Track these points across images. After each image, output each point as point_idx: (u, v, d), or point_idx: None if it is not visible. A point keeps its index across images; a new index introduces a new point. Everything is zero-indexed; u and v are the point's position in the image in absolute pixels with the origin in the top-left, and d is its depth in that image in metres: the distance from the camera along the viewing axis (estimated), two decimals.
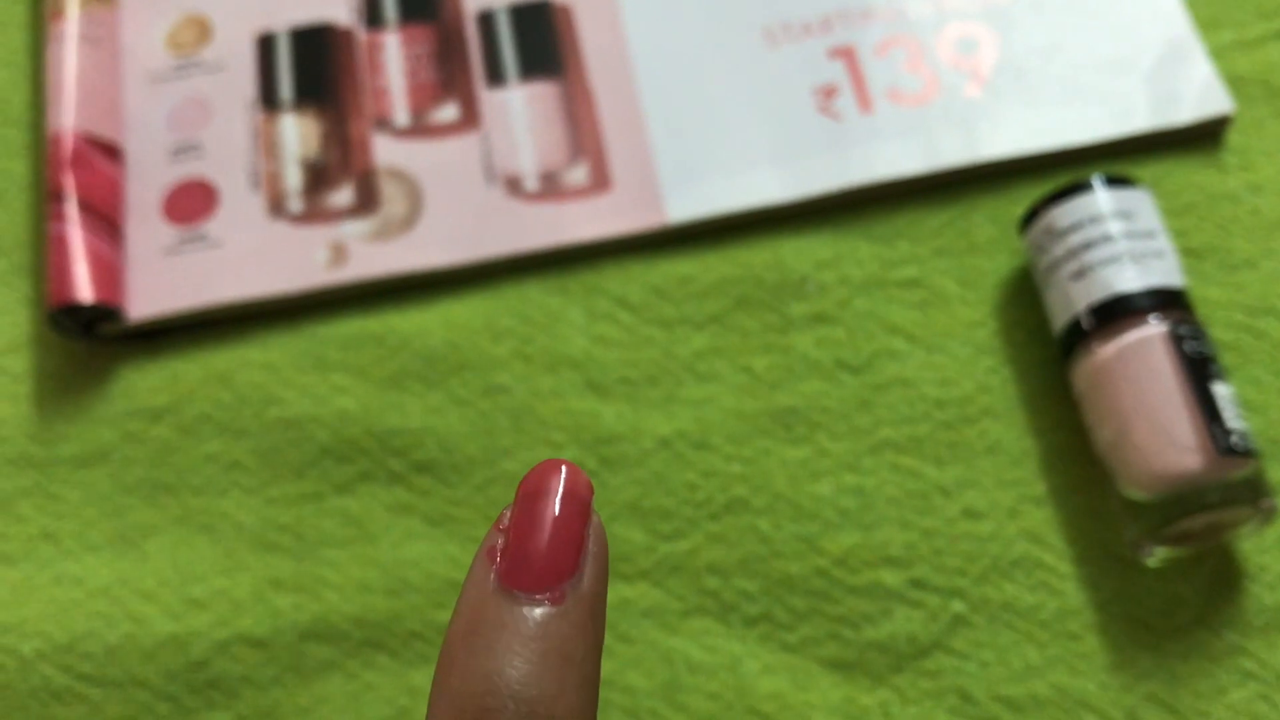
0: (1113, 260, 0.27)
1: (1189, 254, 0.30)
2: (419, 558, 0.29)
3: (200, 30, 0.35)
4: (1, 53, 0.35)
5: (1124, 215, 0.28)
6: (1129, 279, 0.27)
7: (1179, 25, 0.33)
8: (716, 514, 0.29)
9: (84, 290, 0.30)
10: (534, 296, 0.31)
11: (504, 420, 0.30)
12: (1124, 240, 0.27)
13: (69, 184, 0.31)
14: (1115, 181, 0.28)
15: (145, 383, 0.31)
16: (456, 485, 0.29)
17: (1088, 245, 0.28)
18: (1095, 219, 0.28)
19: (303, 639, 0.28)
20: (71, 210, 0.31)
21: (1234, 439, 0.25)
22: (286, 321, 0.31)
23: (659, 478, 0.29)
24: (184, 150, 0.33)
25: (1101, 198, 0.28)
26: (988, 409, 0.29)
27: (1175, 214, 0.31)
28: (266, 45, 0.34)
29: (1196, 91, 0.32)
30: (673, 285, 0.31)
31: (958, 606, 0.27)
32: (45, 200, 0.32)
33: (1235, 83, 0.33)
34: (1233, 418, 0.26)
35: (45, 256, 0.32)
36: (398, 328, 0.31)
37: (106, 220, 0.31)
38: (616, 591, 0.28)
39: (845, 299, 0.31)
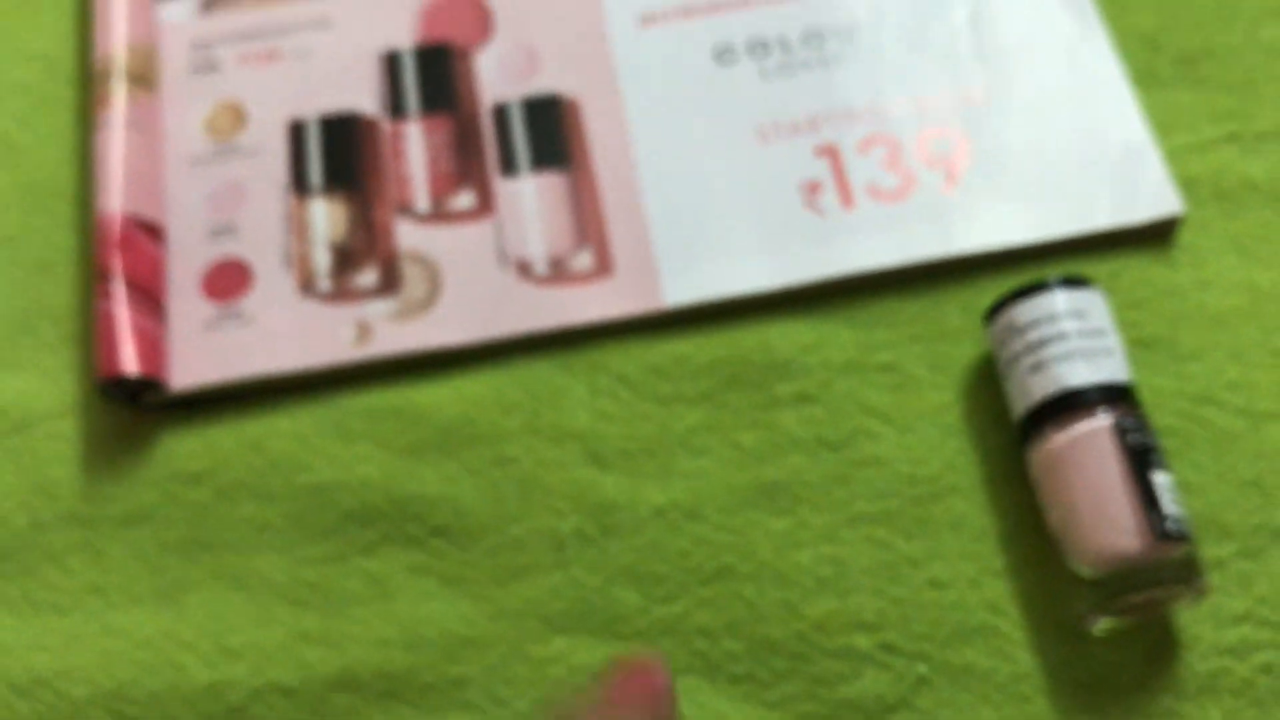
0: (1066, 357, 0.30)
1: (1140, 345, 0.33)
2: (434, 615, 0.31)
3: (236, 117, 0.38)
4: (52, 132, 0.38)
5: (1078, 315, 0.31)
6: (1080, 375, 0.30)
7: (1137, 130, 0.36)
8: (706, 580, 0.31)
9: (130, 364, 0.33)
10: (542, 373, 0.34)
11: (512, 489, 0.33)
12: (1077, 338, 0.30)
13: (116, 264, 0.34)
14: (1071, 282, 0.31)
15: (185, 448, 0.34)
16: (469, 548, 0.32)
17: (1044, 342, 0.31)
18: (1051, 318, 0.31)
19: (329, 689, 0.31)
20: (119, 289, 0.34)
21: (1170, 524, 0.28)
22: (315, 394, 0.34)
23: (654, 545, 0.32)
24: (221, 231, 0.36)
25: (1058, 298, 0.31)
26: (954, 487, 0.32)
27: (1129, 307, 0.34)
28: (298, 132, 0.37)
29: (1151, 193, 0.35)
30: (669, 364, 0.34)
31: (922, 669, 0.30)
32: (95, 278, 0.34)
33: (1187, 184, 0.36)
34: (1170, 504, 0.29)
35: (94, 330, 0.34)
36: (417, 401, 0.34)
37: (150, 296, 0.34)
38: (613, 650, 0.31)
39: (826, 380, 0.34)
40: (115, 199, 0.35)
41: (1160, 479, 0.29)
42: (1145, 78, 0.37)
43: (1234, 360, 0.33)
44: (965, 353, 0.34)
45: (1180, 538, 0.28)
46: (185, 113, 0.38)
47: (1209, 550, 0.31)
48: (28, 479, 0.34)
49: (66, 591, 0.32)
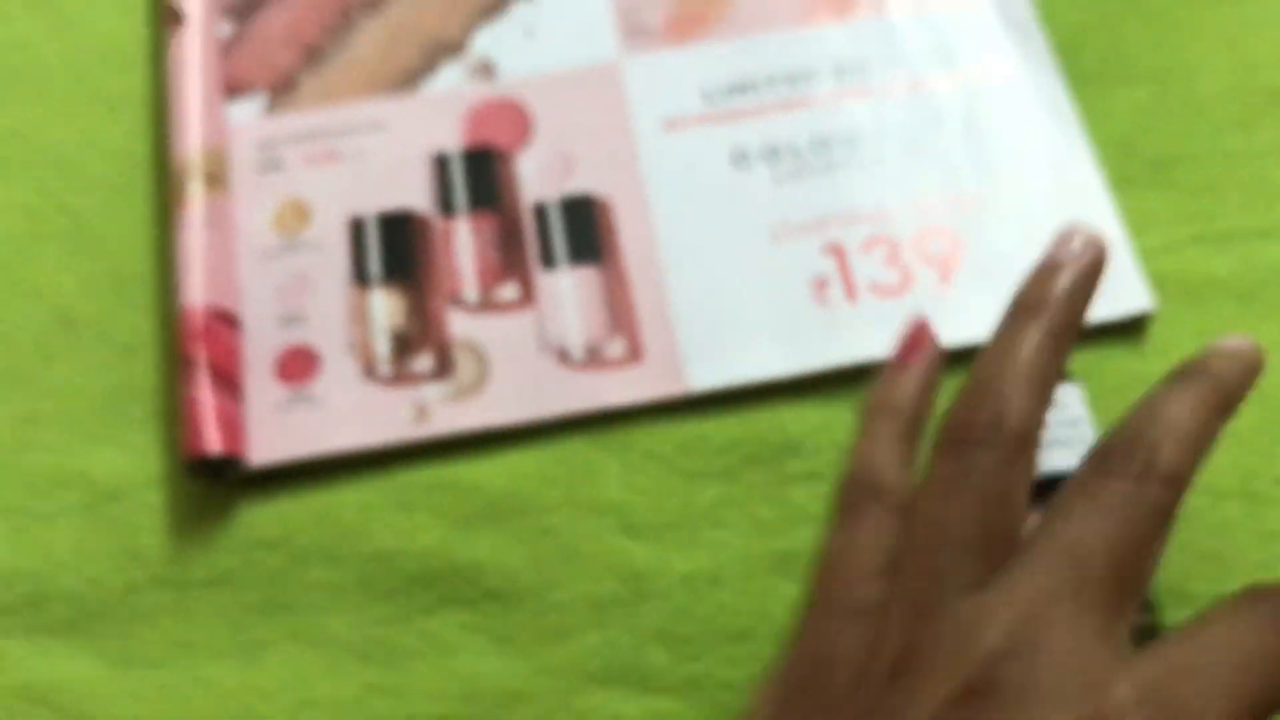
0: (1045, 445, 0.34)
1: None
2: (487, 671, 0.35)
3: (301, 214, 0.42)
4: (131, 223, 0.43)
5: (1058, 406, 0.35)
6: (1058, 460, 0.34)
7: (1113, 231, 0.40)
8: (729, 640, 0.36)
9: (214, 444, 0.37)
10: (579, 450, 0.38)
11: (555, 556, 0.37)
12: (1056, 428, 0.35)
13: (200, 353, 0.38)
14: None
15: (261, 518, 0.38)
16: (517, 610, 0.36)
17: None
18: None
19: None
20: (202, 376, 0.38)
21: None
22: (378, 468, 0.38)
23: (681, 609, 0.36)
24: (291, 319, 0.40)
25: None
26: None
27: (1104, 394, 0.38)
28: (358, 228, 0.41)
29: (1125, 290, 0.39)
30: (693, 443, 0.38)
31: None
32: (180, 364, 0.38)
33: (1158, 280, 0.40)
34: None
35: (181, 412, 0.39)
36: (468, 476, 0.38)
37: (229, 380, 0.38)
38: (646, 703, 0.35)
39: (834, 459, 0.38)
40: (197, 293, 0.39)
41: None
42: (1121, 181, 0.41)
43: None
44: None
45: (1144, 608, 0.33)
46: (254, 209, 0.42)
47: (1171, 615, 0.35)
48: (121, 544, 0.38)
49: (158, 647, 0.36)
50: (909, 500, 0.28)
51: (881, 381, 0.30)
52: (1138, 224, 0.41)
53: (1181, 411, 0.26)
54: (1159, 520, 0.25)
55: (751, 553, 0.37)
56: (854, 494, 0.28)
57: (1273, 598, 0.24)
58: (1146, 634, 0.32)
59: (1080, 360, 0.39)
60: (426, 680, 0.35)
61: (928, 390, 0.30)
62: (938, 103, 0.42)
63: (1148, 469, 0.26)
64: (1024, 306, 0.28)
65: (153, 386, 0.40)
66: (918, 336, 0.31)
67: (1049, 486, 0.34)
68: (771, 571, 0.36)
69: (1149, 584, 0.25)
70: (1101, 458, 0.26)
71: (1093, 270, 0.29)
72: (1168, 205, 0.41)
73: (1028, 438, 0.26)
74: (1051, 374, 0.27)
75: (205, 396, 0.37)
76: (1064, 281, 0.28)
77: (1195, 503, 0.36)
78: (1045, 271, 0.29)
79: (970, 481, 0.26)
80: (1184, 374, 0.28)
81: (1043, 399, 0.27)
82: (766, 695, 0.27)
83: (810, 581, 0.28)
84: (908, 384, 0.30)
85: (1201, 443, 0.26)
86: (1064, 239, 0.29)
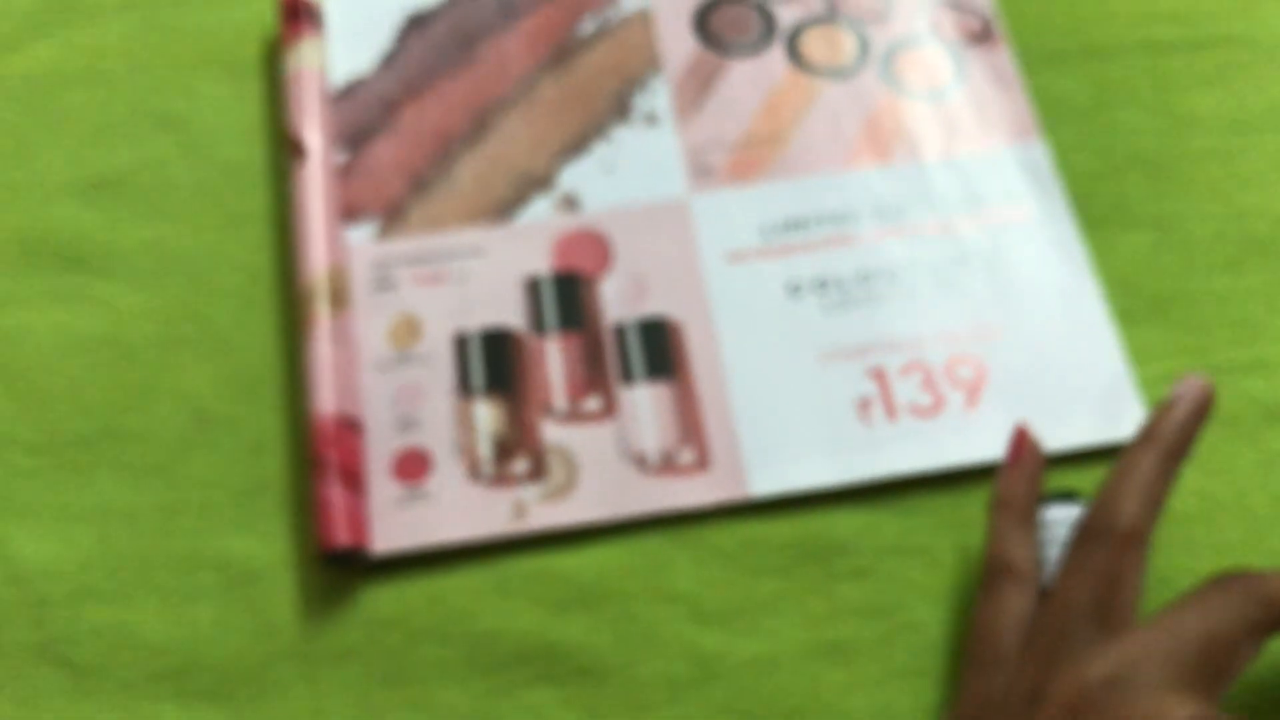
0: (1050, 560, 0.40)
1: None
2: None
3: (412, 329, 0.48)
4: (258, 331, 0.49)
5: (1064, 524, 0.41)
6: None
7: (1117, 363, 0.46)
8: (785, 717, 0.42)
9: (343, 537, 0.43)
10: (655, 546, 0.44)
11: (636, 639, 0.43)
12: (1057, 547, 0.41)
13: (330, 456, 0.44)
14: (1062, 496, 0.42)
15: (382, 600, 0.44)
16: (604, 686, 0.42)
17: (1041, 544, 0.41)
18: (1045, 524, 0.41)
19: None
20: (333, 476, 0.44)
21: None
22: (482, 559, 0.44)
23: (744, 688, 0.42)
24: (406, 425, 0.46)
25: (1050, 512, 0.41)
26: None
27: None
28: (462, 344, 0.48)
29: (1128, 416, 0.45)
30: (754, 541, 0.44)
31: None
32: (313, 465, 0.44)
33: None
34: None
35: (312, 507, 0.45)
36: (561, 567, 0.44)
37: (355, 479, 0.44)
38: None
39: (877, 559, 0.44)
40: (328, 402, 0.45)
41: None
42: (1125, 316, 0.48)
43: (1186, 554, 0.43)
44: (982, 539, 0.44)
45: None
46: (372, 324, 0.48)
47: None
48: (257, 622, 0.44)
49: (291, 713, 0.42)
50: (1035, 572, 0.38)
51: (999, 480, 0.40)
52: (1139, 355, 0.47)
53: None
54: (1247, 627, 0.34)
55: (804, 640, 0.43)
56: (992, 575, 0.38)
57: (1236, 583, 0.34)
58: None
59: (1086, 477, 0.45)
60: None
61: (1035, 482, 0.40)
62: (965, 242, 0.49)
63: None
64: (1145, 434, 0.38)
65: (281, 480, 0.46)
66: (1020, 441, 0.41)
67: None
68: (822, 657, 0.42)
69: (1231, 681, 0.34)
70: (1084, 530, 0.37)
71: (1200, 408, 0.38)
72: (1165, 339, 0.47)
73: (1138, 536, 0.36)
74: (1161, 488, 0.37)
75: (336, 495, 0.43)
76: (1177, 416, 0.38)
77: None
78: (1163, 407, 0.38)
79: (1092, 566, 0.36)
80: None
81: (1154, 507, 0.36)
82: None
83: (966, 645, 0.38)
84: (1020, 481, 0.40)
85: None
86: (1181, 382, 0.39)
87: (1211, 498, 0.44)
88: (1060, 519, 0.41)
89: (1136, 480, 0.37)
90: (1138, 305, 0.48)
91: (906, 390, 0.46)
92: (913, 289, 0.48)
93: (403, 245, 0.49)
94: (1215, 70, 0.53)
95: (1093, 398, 0.46)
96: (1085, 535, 0.37)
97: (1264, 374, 0.46)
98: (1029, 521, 0.39)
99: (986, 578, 0.38)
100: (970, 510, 0.45)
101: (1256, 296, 0.48)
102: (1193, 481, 0.45)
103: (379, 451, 0.46)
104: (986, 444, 0.45)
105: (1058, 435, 0.45)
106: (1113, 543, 0.36)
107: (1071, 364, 0.46)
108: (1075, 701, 0.33)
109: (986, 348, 0.47)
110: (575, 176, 0.51)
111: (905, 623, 0.43)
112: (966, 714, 0.36)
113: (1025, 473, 0.40)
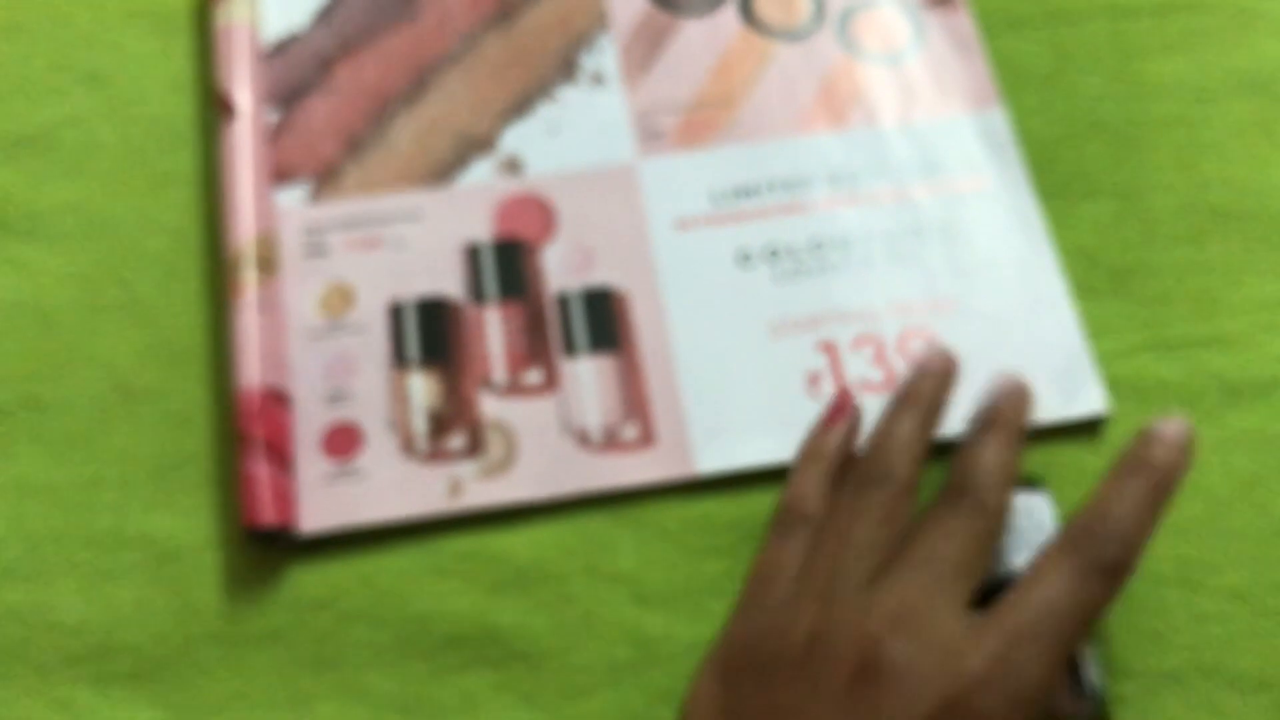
0: (1011, 546, 0.39)
1: None
2: None
3: (345, 298, 0.46)
4: (182, 298, 0.46)
5: (1026, 513, 0.40)
6: (1019, 562, 0.39)
7: (1074, 339, 0.45)
8: None
9: (268, 515, 0.41)
10: (597, 525, 0.43)
11: (574, 622, 0.41)
12: (1023, 533, 0.39)
13: (256, 430, 0.42)
14: (1027, 483, 0.40)
15: (309, 581, 0.42)
16: (540, 670, 0.41)
17: None
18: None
19: None
20: (258, 451, 0.42)
21: (1087, 688, 0.37)
22: (415, 538, 0.42)
23: (687, 673, 0.40)
24: (337, 398, 0.44)
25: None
26: None
27: (1063, 487, 0.43)
28: (397, 313, 0.46)
29: (1084, 393, 0.44)
30: (699, 521, 0.43)
31: None
32: (238, 440, 0.42)
33: (1113, 384, 0.45)
34: (1090, 670, 0.38)
35: (238, 485, 0.43)
36: (497, 546, 0.42)
37: (282, 455, 0.42)
38: None
39: None
40: (254, 374, 0.43)
41: (1085, 649, 0.38)
42: (1083, 289, 0.46)
43: None
44: None
45: (1092, 697, 0.37)
46: (302, 291, 0.46)
47: (1117, 688, 0.40)
48: (179, 602, 0.42)
49: (215, 698, 0.40)
50: (825, 523, 0.38)
51: (813, 434, 0.41)
52: (1097, 330, 0.46)
53: (1127, 508, 0.34)
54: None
55: None
56: (785, 519, 0.39)
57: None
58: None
59: (1041, 456, 0.43)
60: None
61: (848, 443, 0.40)
62: (921, 211, 0.47)
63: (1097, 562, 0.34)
64: (903, 398, 0.39)
65: (206, 456, 0.44)
66: (842, 402, 0.41)
67: (1005, 584, 0.39)
68: None
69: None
70: (1067, 540, 0.35)
71: (948, 377, 0.40)
72: (1124, 313, 0.46)
73: (910, 484, 0.37)
74: (922, 446, 0.38)
75: (261, 471, 0.42)
76: (931, 383, 0.40)
77: (1140, 588, 0.41)
78: (918, 374, 0.40)
79: (868, 507, 0.37)
80: (1129, 466, 0.35)
81: (917, 461, 0.38)
82: (706, 676, 0.37)
83: (746, 584, 0.38)
84: (833, 438, 0.40)
85: (1147, 531, 0.34)
86: (931, 350, 0.40)
87: None
88: (1022, 508, 0.39)
89: (902, 438, 0.38)
90: (1097, 277, 0.47)
91: (858, 365, 0.44)
92: (866, 259, 0.46)
93: (336, 209, 0.47)
94: (1179, 36, 0.51)
95: (1049, 374, 0.44)
96: (860, 481, 0.38)
97: (1224, 349, 0.45)
98: (833, 477, 0.39)
99: (777, 521, 0.39)
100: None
101: (1217, 269, 0.47)
102: None
103: (308, 426, 0.44)
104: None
105: None
106: (888, 486, 0.37)
107: (1028, 339, 0.45)
108: (865, 663, 0.34)
109: (941, 321, 0.45)
110: (518, 138, 0.49)
111: None
112: (735, 651, 0.36)
113: (840, 431, 0.40)
